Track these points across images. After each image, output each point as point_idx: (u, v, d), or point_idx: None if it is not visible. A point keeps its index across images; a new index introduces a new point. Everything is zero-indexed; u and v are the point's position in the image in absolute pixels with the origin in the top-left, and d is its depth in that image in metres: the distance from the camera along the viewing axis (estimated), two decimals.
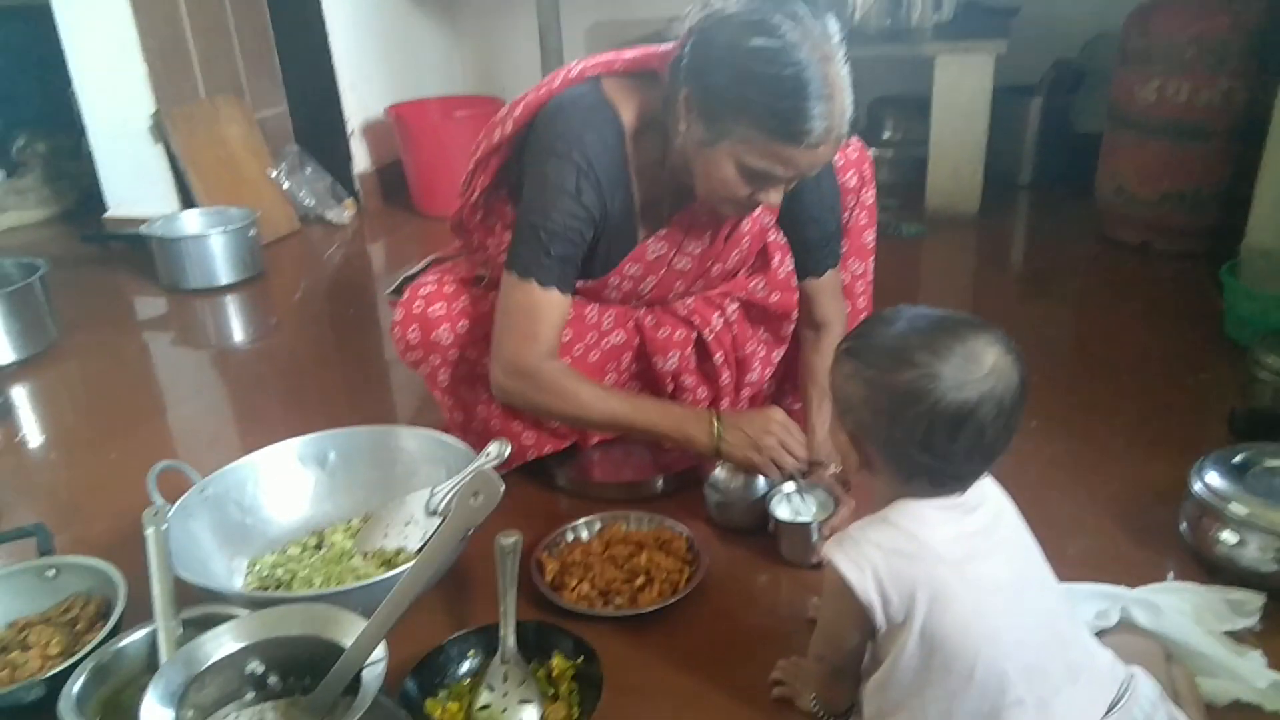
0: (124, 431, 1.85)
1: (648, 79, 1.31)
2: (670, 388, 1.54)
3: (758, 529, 1.36)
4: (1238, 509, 1.21)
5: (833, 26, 1.13)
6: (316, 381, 2.07)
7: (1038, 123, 2.87)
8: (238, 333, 2.45)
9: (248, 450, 1.41)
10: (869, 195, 1.51)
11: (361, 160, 3.17)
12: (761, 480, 1.36)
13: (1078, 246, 2.49)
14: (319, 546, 1.38)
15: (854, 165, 1.48)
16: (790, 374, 1.60)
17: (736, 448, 1.31)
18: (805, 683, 1.08)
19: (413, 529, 1.35)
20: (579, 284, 1.39)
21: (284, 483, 1.42)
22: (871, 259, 1.58)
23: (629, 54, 1.33)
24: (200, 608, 1.11)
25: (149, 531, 1.12)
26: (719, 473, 1.40)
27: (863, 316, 1.56)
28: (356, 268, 2.82)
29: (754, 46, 1.11)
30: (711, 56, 1.15)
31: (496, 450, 1.32)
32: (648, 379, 1.56)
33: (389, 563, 1.32)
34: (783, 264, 1.48)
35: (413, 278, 1.61)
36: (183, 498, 1.28)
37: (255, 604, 1.08)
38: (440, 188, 2.98)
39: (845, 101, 1.13)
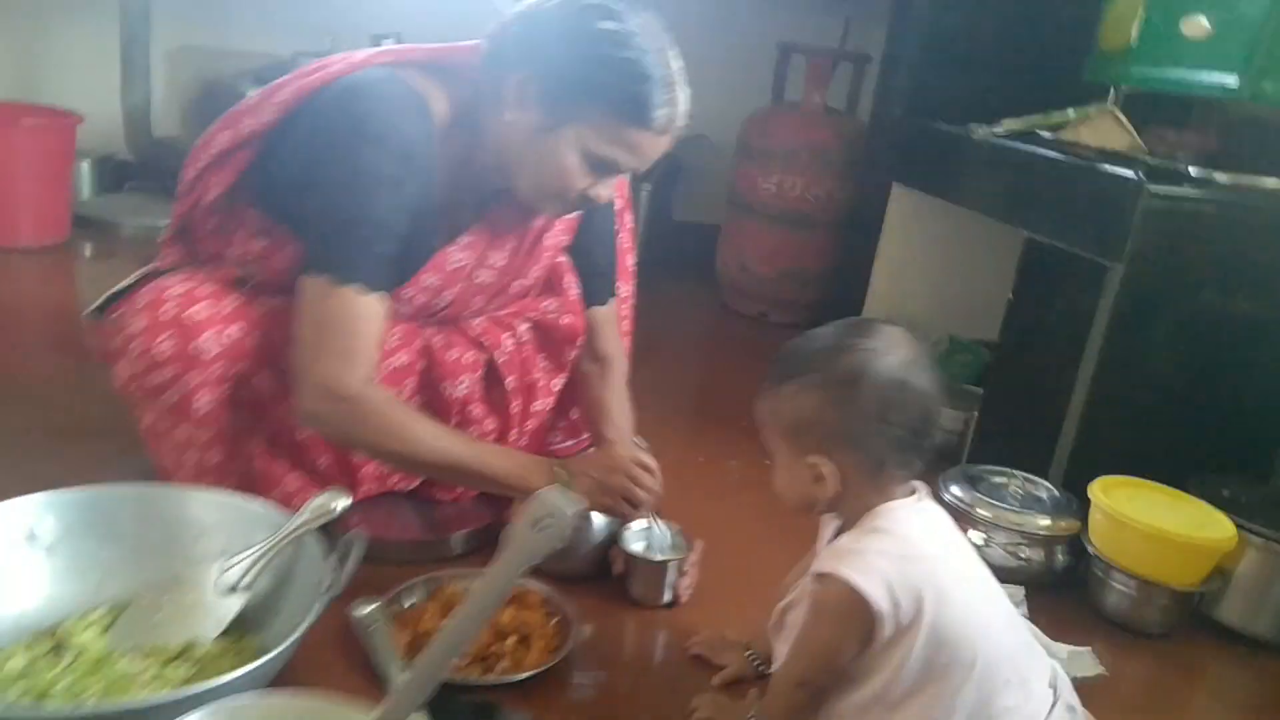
0: None
1: (447, 74, 1.21)
2: (456, 419, 1.38)
3: (596, 574, 1.29)
4: (983, 512, 1.46)
5: (659, 24, 1.15)
6: None
7: (647, 210, 3.16)
8: None
9: None
10: (629, 219, 1.53)
11: None
12: (598, 522, 1.30)
13: (701, 316, 2.79)
14: (56, 651, 0.99)
15: (616, 187, 1.47)
16: (563, 408, 1.54)
17: (587, 493, 1.22)
18: (736, 716, 1.05)
19: (200, 615, 1.05)
20: None
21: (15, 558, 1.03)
22: (633, 283, 1.59)
23: (417, 49, 1.22)
24: None
25: None
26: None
27: (626, 340, 1.55)
28: None
29: (602, 29, 1.09)
30: (550, 40, 1.11)
31: (325, 503, 1.08)
32: (433, 407, 1.36)
33: (173, 660, 1.00)
34: (572, 286, 1.44)
35: (122, 294, 1.27)
36: None
37: None
38: (5, 211, 2.37)
39: (684, 94, 1.15)
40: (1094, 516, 1.42)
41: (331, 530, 1.09)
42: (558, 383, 1.48)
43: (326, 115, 1.14)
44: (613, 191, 1.21)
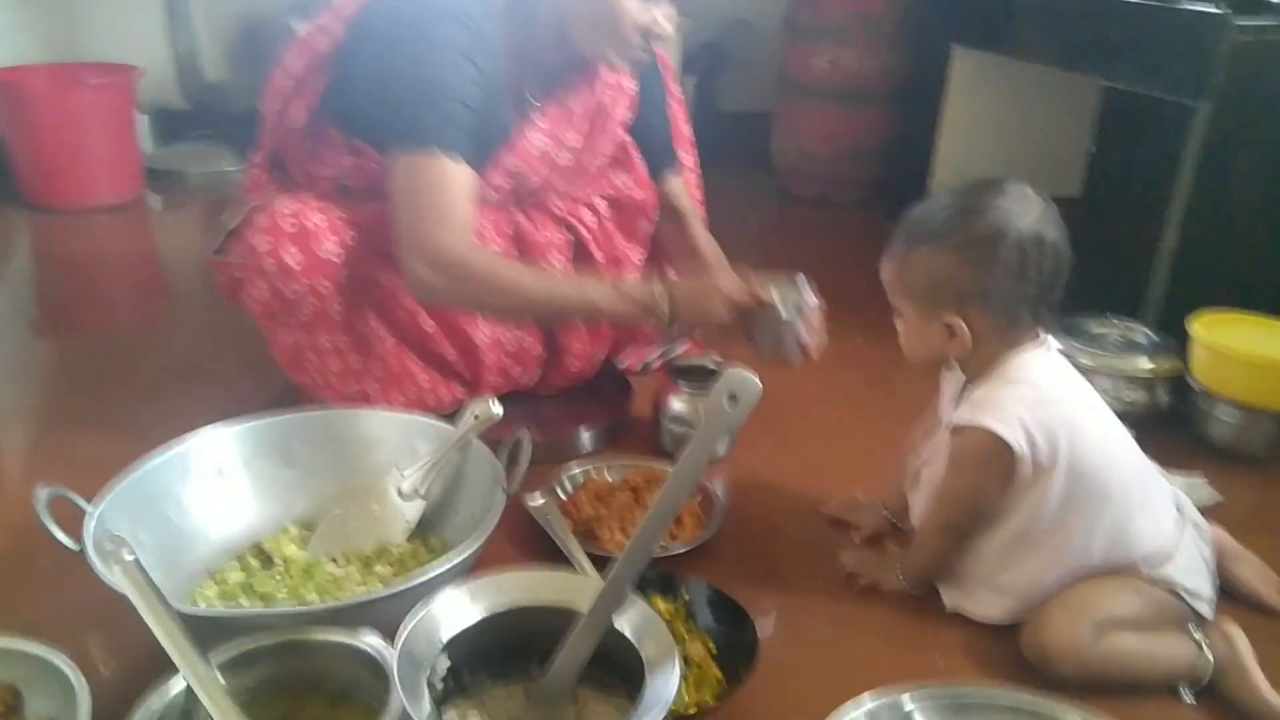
0: None
1: None
2: None
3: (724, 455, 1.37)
4: (1085, 361, 1.50)
5: None
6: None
7: (694, 102, 3.14)
8: None
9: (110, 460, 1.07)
10: (676, 89, 1.56)
11: None
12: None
13: (761, 204, 2.81)
14: (264, 564, 1.09)
15: (660, 59, 1.49)
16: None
17: (681, 316, 1.24)
18: (884, 567, 1.13)
19: (387, 520, 1.14)
20: None
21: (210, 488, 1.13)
22: (695, 151, 1.60)
23: None
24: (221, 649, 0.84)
25: (116, 570, 0.81)
26: (677, 405, 1.38)
27: (699, 207, 1.58)
28: None
29: None
30: None
31: (483, 410, 1.15)
32: None
33: (369, 564, 1.10)
34: (639, 162, 1.47)
35: (234, 232, 1.33)
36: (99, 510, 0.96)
37: (288, 623, 0.86)
38: (72, 172, 2.43)
39: None
40: (1195, 352, 1.46)
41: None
42: (639, 257, 1.51)
43: (388, 13, 1.20)
44: (669, 24, 1.23)
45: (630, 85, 1.40)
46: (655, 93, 1.46)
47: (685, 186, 1.53)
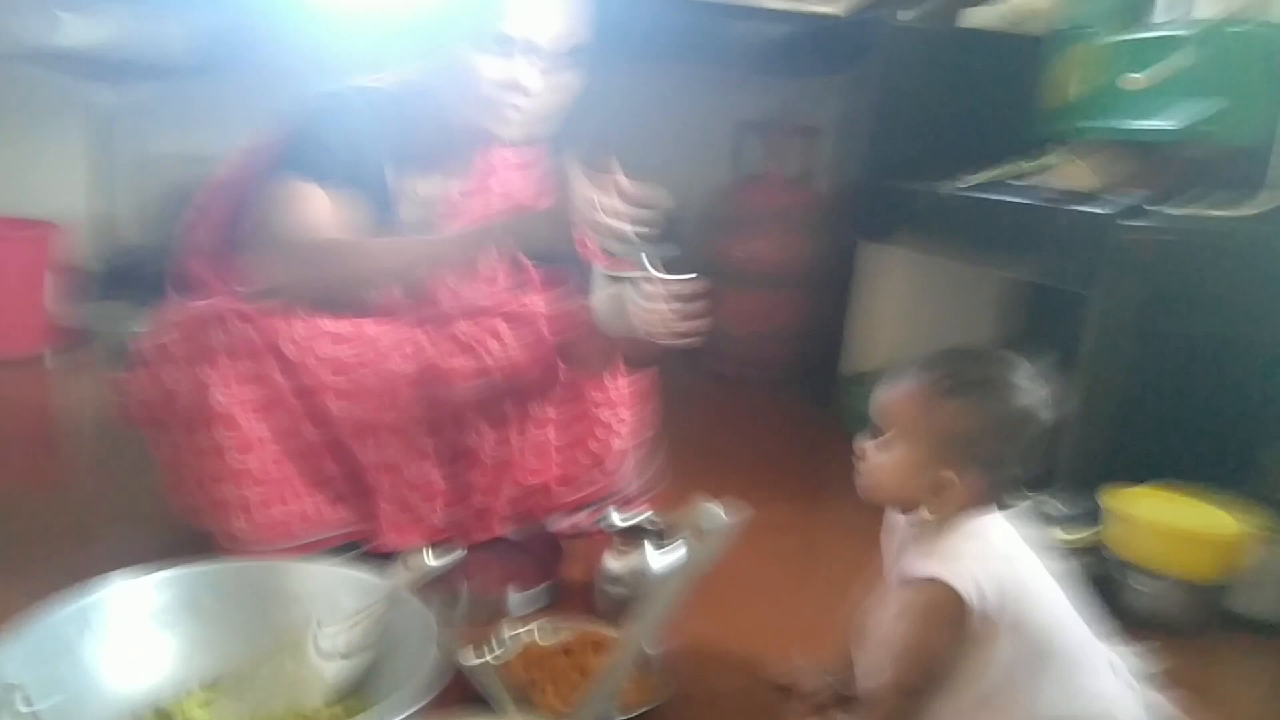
0: None
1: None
2: (450, 427, 1.38)
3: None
4: None
5: None
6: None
7: None
8: None
9: None
10: None
11: None
12: (650, 557, 1.34)
13: (680, 381, 2.86)
14: None
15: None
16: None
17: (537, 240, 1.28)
18: None
19: (305, 681, 1.06)
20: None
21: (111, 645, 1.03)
22: None
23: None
24: None
25: None
26: (613, 565, 1.34)
27: None
28: None
29: None
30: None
31: (415, 561, 1.10)
32: (432, 411, 1.36)
33: None
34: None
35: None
36: None
37: None
38: None
39: None
40: (1111, 524, 1.51)
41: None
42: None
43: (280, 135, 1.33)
44: (536, 77, 1.29)
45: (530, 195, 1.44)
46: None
47: None
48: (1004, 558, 1.01)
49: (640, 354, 1.33)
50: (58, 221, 2.54)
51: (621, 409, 1.52)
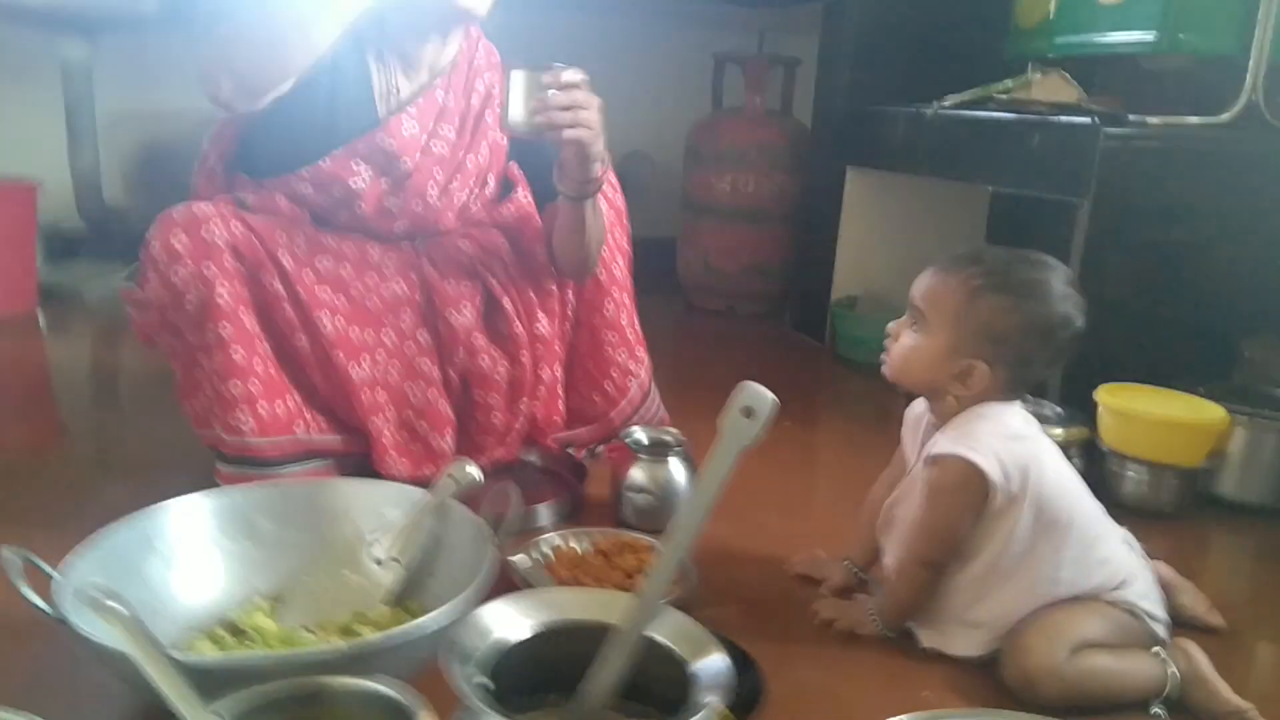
0: None
1: None
2: (462, 349, 1.41)
3: None
4: None
5: None
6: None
7: None
8: None
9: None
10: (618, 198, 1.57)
11: None
12: (675, 473, 1.40)
13: (670, 315, 2.92)
14: (236, 636, 1.03)
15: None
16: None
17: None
18: (858, 612, 1.17)
19: (360, 588, 1.11)
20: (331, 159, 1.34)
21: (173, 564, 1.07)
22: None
23: None
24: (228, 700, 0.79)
25: (111, 622, 0.77)
26: (637, 474, 1.40)
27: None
28: None
29: None
30: None
31: (460, 473, 1.15)
32: (439, 336, 1.42)
33: (347, 631, 1.06)
34: (524, 189, 1.49)
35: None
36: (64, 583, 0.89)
37: (290, 669, 0.81)
38: None
39: None
40: (1103, 418, 1.59)
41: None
42: (546, 304, 1.49)
43: None
44: None
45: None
46: None
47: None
48: (1023, 438, 1.08)
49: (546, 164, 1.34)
50: (40, 180, 2.51)
51: (639, 348, 1.57)
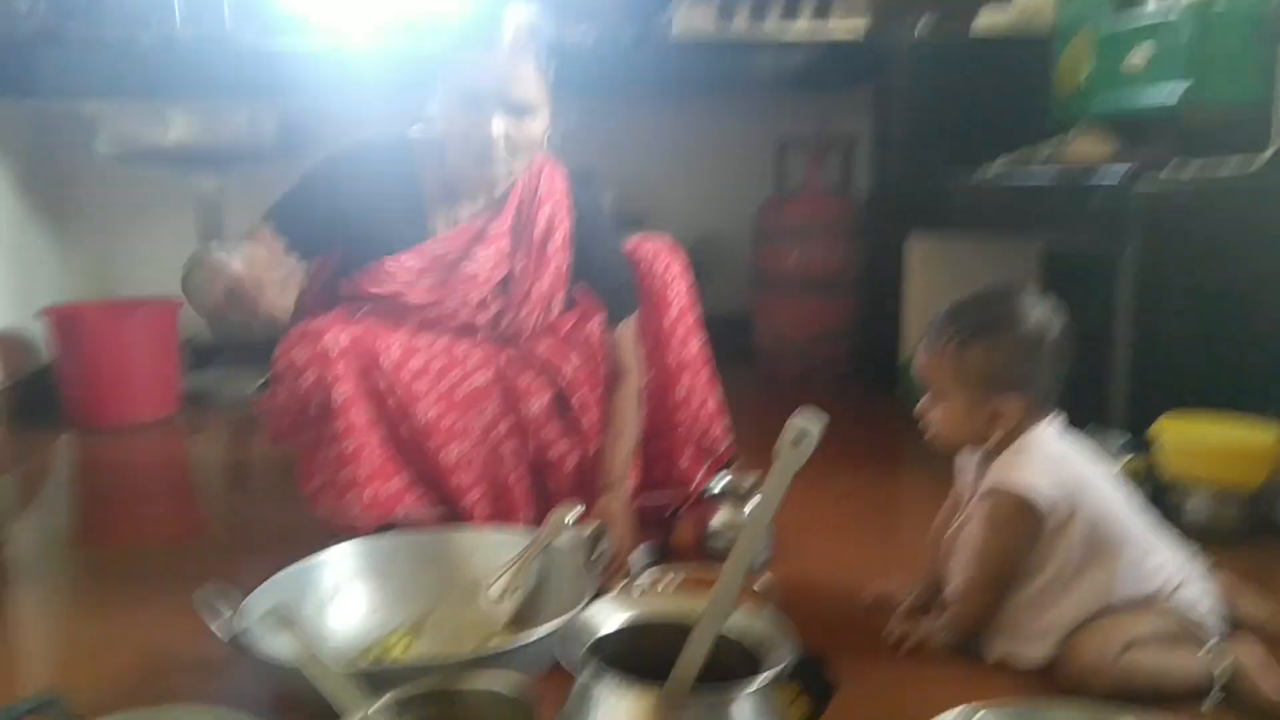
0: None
1: None
2: (533, 440, 1.59)
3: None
4: None
5: None
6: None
7: None
8: None
9: None
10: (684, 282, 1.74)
11: None
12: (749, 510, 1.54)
13: (748, 383, 3.06)
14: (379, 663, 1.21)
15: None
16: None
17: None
18: (925, 627, 1.28)
19: (482, 622, 1.28)
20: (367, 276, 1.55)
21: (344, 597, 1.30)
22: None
23: None
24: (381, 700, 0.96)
25: (289, 638, 0.96)
26: (719, 519, 1.55)
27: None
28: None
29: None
30: None
31: (559, 517, 1.32)
32: (517, 424, 1.59)
33: None
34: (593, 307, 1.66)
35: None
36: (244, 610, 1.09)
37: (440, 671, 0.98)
38: (116, 392, 2.64)
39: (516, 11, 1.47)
40: (1164, 448, 1.68)
41: None
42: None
43: None
44: (500, 125, 1.46)
45: (561, 225, 1.61)
46: (593, 241, 1.64)
47: (628, 338, 1.67)
48: (1057, 458, 1.20)
49: None
50: (179, 299, 2.83)
51: (714, 425, 1.74)
